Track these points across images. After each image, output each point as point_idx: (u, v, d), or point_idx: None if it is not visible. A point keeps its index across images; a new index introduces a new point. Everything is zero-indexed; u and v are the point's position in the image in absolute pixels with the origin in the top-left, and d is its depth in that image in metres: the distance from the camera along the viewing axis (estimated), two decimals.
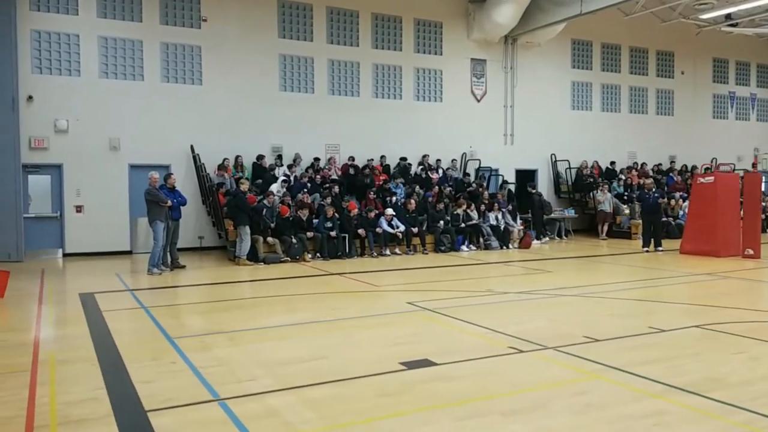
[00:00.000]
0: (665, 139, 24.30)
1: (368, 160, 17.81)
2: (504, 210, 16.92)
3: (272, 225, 14.04)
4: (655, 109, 24.26)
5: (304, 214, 14.33)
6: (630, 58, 23.46)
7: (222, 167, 15.60)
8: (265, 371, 5.46)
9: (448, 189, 17.61)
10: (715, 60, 25.64)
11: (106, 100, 15.37)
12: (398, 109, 18.95)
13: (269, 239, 13.77)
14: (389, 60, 18.80)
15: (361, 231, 14.61)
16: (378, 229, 14.86)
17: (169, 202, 12.04)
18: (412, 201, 15.82)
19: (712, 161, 25.10)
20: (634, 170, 21.95)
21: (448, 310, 8.18)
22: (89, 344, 6.54)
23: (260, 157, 16.45)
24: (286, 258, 13.67)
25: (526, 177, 20.96)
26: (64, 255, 15.06)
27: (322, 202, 15.14)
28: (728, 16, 22.26)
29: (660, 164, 23.57)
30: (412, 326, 7.40)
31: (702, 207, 14.80)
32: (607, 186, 19.63)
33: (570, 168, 21.33)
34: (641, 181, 21.58)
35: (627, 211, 19.52)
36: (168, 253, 12.54)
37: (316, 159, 17.29)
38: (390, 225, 15.14)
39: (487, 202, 17.13)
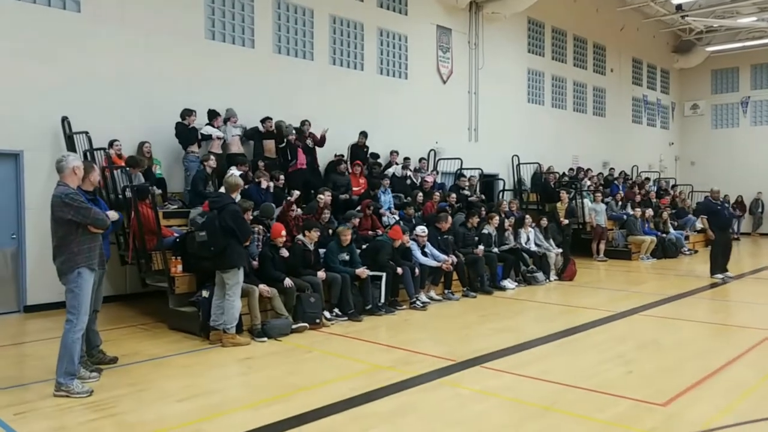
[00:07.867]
0: (599, 142, 21.68)
1: (336, 156, 11.97)
2: (533, 228, 12.21)
3: (254, 260, 7.71)
4: (592, 108, 21.55)
5: (311, 238, 8.17)
6: (574, 48, 20.42)
7: (138, 161, 8.54)
8: None
9: (453, 197, 12.44)
10: (634, 60, 23.84)
11: None
12: (360, 83, 13.33)
13: (264, 289, 7.38)
14: (349, 12, 13.10)
15: (399, 269, 8.72)
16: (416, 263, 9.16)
17: (108, 222, 5.33)
18: (449, 218, 10.34)
19: (632, 168, 23.21)
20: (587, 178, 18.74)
21: None
22: None
23: (186, 113, 9.65)
24: (302, 324, 7.39)
25: (488, 184, 16.52)
26: None
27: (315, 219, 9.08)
28: (679, 7, 20.28)
29: (600, 172, 20.61)
30: None
31: None
32: (600, 195, 15.97)
33: (541, 173, 17.33)
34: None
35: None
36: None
37: None
38: (424, 254, 9.57)
39: (504, 215, 12.31)
